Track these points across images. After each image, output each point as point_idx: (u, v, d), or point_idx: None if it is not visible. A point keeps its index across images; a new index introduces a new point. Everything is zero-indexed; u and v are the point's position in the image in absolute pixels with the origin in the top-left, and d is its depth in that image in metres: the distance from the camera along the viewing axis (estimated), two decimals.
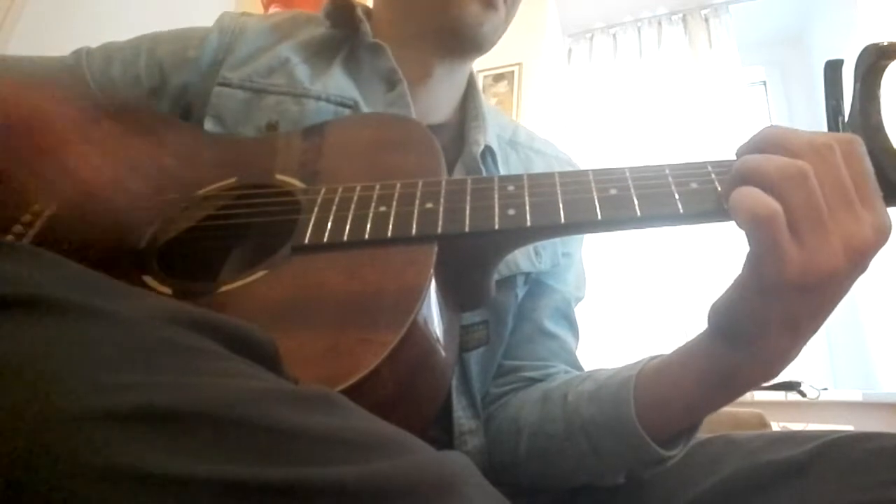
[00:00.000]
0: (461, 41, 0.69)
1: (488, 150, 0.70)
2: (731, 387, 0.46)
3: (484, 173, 0.67)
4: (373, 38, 0.70)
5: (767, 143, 0.40)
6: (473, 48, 0.71)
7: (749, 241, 0.38)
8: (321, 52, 0.70)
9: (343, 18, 0.71)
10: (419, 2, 0.68)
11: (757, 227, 0.37)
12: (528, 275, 0.69)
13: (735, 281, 0.41)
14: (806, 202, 0.37)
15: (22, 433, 0.21)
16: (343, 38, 0.72)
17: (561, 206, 0.44)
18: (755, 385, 0.45)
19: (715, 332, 0.45)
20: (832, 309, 0.40)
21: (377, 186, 0.48)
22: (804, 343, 0.42)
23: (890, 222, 0.38)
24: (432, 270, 0.42)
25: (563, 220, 0.43)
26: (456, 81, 0.76)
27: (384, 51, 0.69)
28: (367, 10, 0.75)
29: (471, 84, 0.78)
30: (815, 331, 0.41)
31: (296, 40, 0.71)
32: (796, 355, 0.42)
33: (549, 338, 0.70)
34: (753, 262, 0.39)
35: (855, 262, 0.37)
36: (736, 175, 0.40)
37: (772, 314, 0.39)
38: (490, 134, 0.72)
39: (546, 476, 0.59)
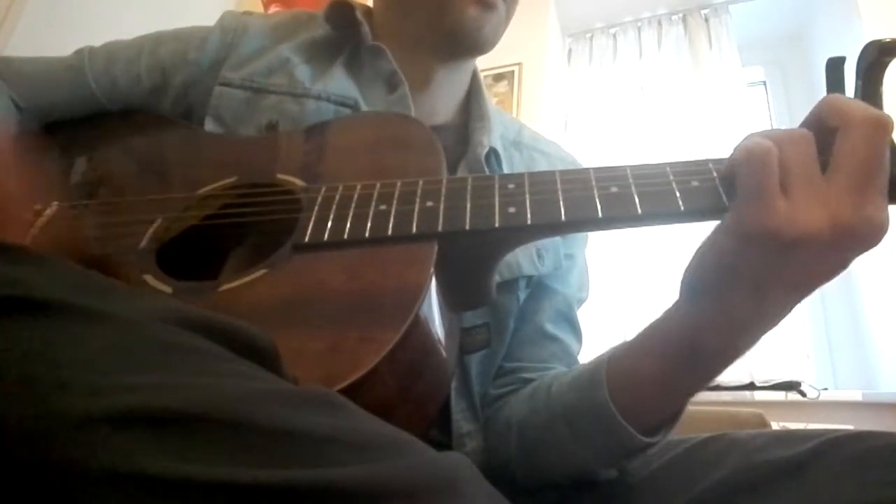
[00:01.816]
0: (462, 45, 0.69)
1: (492, 152, 0.69)
2: (699, 358, 0.45)
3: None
4: (372, 41, 0.70)
5: (829, 108, 0.41)
6: (475, 50, 0.70)
7: (738, 181, 0.39)
8: (322, 53, 0.70)
9: (343, 20, 0.71)
10: (417, 7, 0.68)
11: (748, 162, 0.38)
12: (530, 278, 0.68)
13: (716, 226, 0.42)
14: (801, 160, 0.38)
15: (21, 436, 0.21)
16: (344, 40, 0.71)
17: (562, 203, 0.44)
18: (723, 361, 0.45)
19: (682, 291, 0.45)
20: (804, 290, 0.40)
21: (378, 185, 0.48)
22: (771, 322, 0.42)
23: (885, 222, 0.38)
24: (433, 269, 0.42)
25: (563, 217, 0.43)
26: (458, 82, 0.75)
27: (384, 53, 0.68)
28: (367, 11, 0.75)
29: (475, 83, 0.77)
30: (782, 309, 0.41)
31: (297, 40, 0.71)
32: (759, 334, 0.42)
33: (551, 340, 0.70)
34: (738, 204, 0.39)
35: (836, 238, 0.37)
36: (746, 138, 0.41)
37: (742, 264, 0.39)
38: (495, 135, 0.71)
39: (537, 469, 0.59)
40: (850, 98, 0.41)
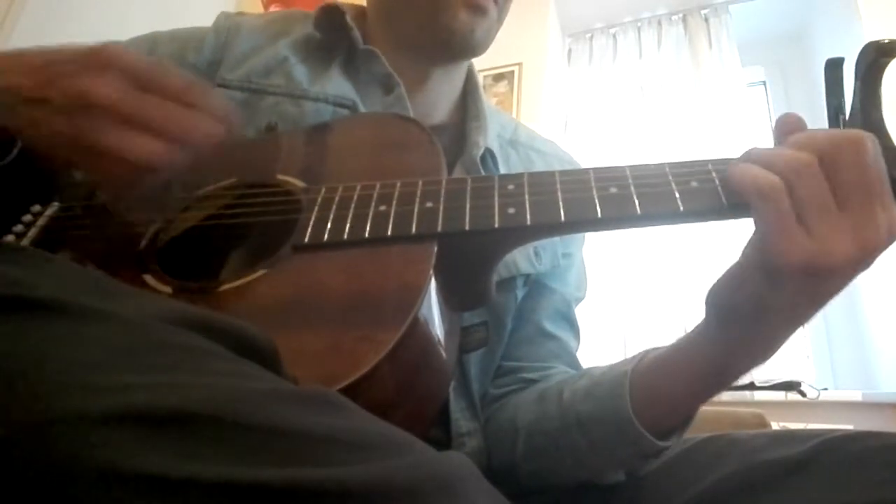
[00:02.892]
0: (454, 49, 0.69)
1: (488, 153, 0.69)
2: (724, 375, 0.47)
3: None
4: (364, 45, 0.70)
5: (785, 134, 0.41)
6: (467, 54, 0.71)
7: (754, 217, 0.39)
8: (319, 52, 0.70)
9: (333, 26, 0.71)
10: (409, 11, 0.68)
11: (760, 200, 0.38)
12: (527, 276, 0.69)
13: (738, 261, 0.42)
14: (810, 192, 0.38)
15: (21, 435, 0.21)
16: (338, 42, 0.71)
17: (561, 204, 0.44)
18: (746, 372, 0.46)
19: (711, 316, 0.45)
20: (829, 301, 0.41)
21: (377, 186, 0.48)
22: (790, 336, 0.43)
23: None
24: (432, 269, 0.42)
25: (563, 218, 0.43)
26: (453, 82, 0.75)
27: (377, 56, 0.69)
28: (360, 12, 0.75)
29: (471, 82, 0.77)
30: (802, 324, 0.42)
31: (292, 38, 0.71)
32: (779, 347, 0.44)
33: (550, 339, 0.70)
34: (758, 240, 0.40)
35: (865, 258, 0.38)
36: (741, 158, 0.41)
37: (775, 299, 0.40)
38: (491, 134, 0.71)
39: (544, 474, 0.59)
40: (809, 132, 0.41)
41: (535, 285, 0.71)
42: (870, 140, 0.38)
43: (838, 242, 0.37)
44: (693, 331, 0.48)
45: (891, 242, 0.38)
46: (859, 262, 0.38)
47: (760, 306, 0.41)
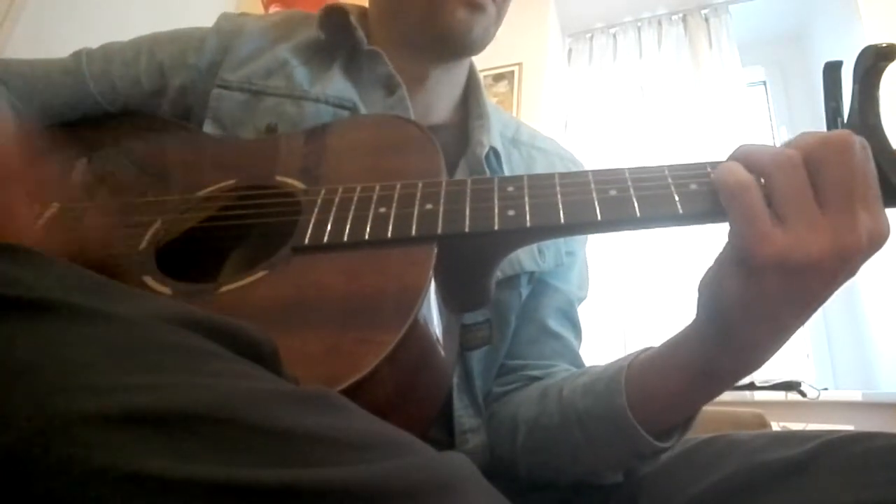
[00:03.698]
0: (452, 47, 0.69)
1: (493, 152, 0.69)
2: (716, 375, 0.46)
3: (488, 175, 0.67)
4: (368, 45, 0.70)
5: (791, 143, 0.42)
6: (466, 52, 0.71)
7: (727, 212, 0.40)
8: (320, 55, 0.70)
9: (338, 27, 0.71)
10: (408, 10, 0.68)
11: (728, 197, 0.39)
12: (531, 274, 0.69)
13: (719, 255, 0.42)
14: (790, 186, 0.38)
15: (20, 435, 0.21)
16: (340, 43, 0.72)
17: (560, 206, 0.44)
18: (739, 377, 0.46)
19: (700, 311, 0.45)
20: (816, 306, 0.40)
21: (377, 187, 0.48)
22: (786, 338, 0.42)
23: (886, 230, 0.39)
24: (432, 271, 0.42)
25: (562, 220, 0.43)
26: (454, 80, 0.76)
27: (381, 57, 0.69)
28: (363, 12, 0.75)
29: (473, 81, 0.77)
30: (796, 326, 0.42)
31: (294, 41, 0.71)
32: (778, 349, 0.43)
33: (553, 338, 0.70)
34: (731, 234, 0.40)
35: (843, 259, 0.37)
36: (730, 157, 0.42)
37: (754, 294, 0.40)
38: (494, 133, 0.71)
39: (543, 469, 0.59)
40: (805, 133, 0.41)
41: (539, 284, 0.71)
42: (858, 142, 0.38)
43: (815, 240, 0.37)
44: (684, 329, 0.48)
45: (872, 248, 0.38)
46: (837, 263, 0.37)
47: (742, 302, 0.41)
